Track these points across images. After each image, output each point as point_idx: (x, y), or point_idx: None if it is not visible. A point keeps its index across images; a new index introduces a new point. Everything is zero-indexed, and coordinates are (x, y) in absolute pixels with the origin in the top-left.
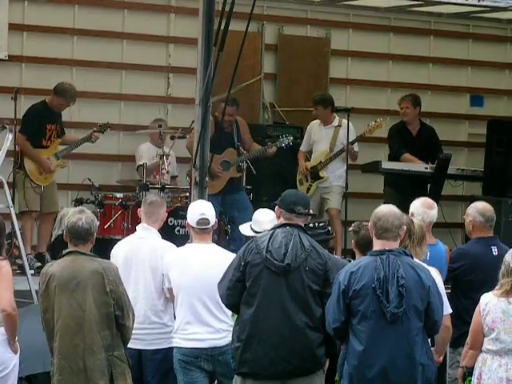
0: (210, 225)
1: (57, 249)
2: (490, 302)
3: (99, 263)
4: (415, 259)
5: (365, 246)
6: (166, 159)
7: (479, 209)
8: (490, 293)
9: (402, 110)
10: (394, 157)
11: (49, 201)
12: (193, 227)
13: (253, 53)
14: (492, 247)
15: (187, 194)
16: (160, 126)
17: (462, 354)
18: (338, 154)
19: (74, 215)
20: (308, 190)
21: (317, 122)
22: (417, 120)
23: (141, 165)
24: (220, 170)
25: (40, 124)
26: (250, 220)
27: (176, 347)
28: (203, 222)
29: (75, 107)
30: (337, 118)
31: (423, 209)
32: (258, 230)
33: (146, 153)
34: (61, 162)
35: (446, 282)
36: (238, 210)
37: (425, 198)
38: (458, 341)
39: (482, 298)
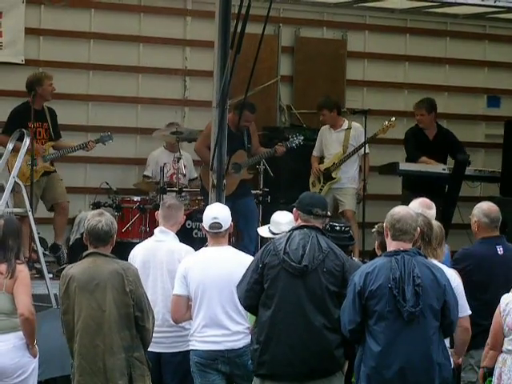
0: (223, 229)
1: (75, 252)
2: (510, 302)
3: (119, 264)
4: (433, 259)
5: None
6: (178, 162)
7: (484, 210)
8: (510, 293)
9: (418, 117)
10: (410, 161)
11: (53, 193)
12: (207, 231)
13: (269, 55)
14: (497, 247)
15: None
16: (175, 132)
17: (483, 354)
18: (351, 155)
19: (94, 218)
20: (320, 191)
21: (327, 126)
22: (433, 124)
23: (145, 175)
24: (231, 174)
25: (20, 122)
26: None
27: (193, 350)
28: (215, 226)
29: (91, 111)
30: (346, 121)
31: (422, 209)
32: (276, 232)
33: (154, 161)
34: (47, 165)
35: None
36: (243, 217)
37: (423, 198)
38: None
39: (502, 298)
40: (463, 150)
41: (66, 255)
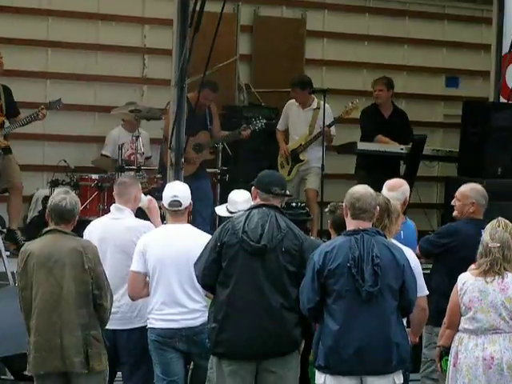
0: (183, 206)
1: (32, 230)
2: (467, 282)
3: (78, 242)
4: (389, 238)
5: (341, 226)
6: (136, 140)
7: (479, 191)
8: (468, 272)
9: (376, 92)
10: (366, 139)
11: (9, 175)
12: (166, 208)
13: (228, 34)
14: (482, 230)
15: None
16: (134, 110)
17: (439, 333)
18: (317, 137)
19: (58, 195)
20: (289, 172)
21: (294, 102)
22: (389, 103)
23: (104, 154)
24: (196, 156)
25: None
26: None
27: (150, 328)
28: (175, 203)
29: (50, 89)
30: (315, 101)
31: (389, 192)
32: (233, 211)
33: (113, 140)
34: (1, 140)
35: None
36: (198, 199)
37: (393, 179)
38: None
39: (459, 277)
40: (412, 135)
41: (22, 238)
